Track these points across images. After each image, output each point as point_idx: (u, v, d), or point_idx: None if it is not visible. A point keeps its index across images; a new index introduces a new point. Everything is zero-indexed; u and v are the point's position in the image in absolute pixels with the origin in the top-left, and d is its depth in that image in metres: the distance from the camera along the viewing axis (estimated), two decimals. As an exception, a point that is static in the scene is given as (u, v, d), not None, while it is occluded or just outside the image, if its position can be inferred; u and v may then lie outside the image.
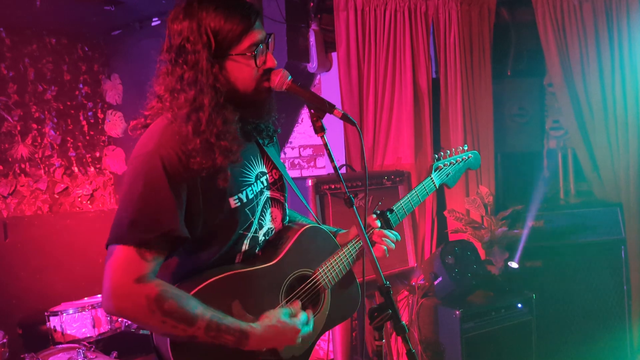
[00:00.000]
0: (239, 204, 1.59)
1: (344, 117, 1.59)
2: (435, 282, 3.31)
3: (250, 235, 1.65)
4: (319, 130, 1.59)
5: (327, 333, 3.60)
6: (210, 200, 1.53)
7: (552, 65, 3.85)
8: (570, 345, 3.62)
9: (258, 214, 1.67)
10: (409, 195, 1.97)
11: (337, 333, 3.29)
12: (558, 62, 3.82)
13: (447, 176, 2.09)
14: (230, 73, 1.55)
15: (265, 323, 1.57)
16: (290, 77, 1.61)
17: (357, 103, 3.66)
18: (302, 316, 1.65)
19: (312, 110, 1.60)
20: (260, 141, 1.75)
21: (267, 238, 1.72)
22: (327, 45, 3.86)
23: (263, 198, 1.70)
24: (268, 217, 1.72)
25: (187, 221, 1.50)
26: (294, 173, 4.23)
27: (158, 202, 1.43)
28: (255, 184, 1.67)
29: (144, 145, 1.49)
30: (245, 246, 1.65)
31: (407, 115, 3.69)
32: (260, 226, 1.69)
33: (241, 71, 1.55)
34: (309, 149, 4.22)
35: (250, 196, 1.64)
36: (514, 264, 3.53)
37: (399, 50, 3.70)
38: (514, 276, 3.53)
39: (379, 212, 1.87)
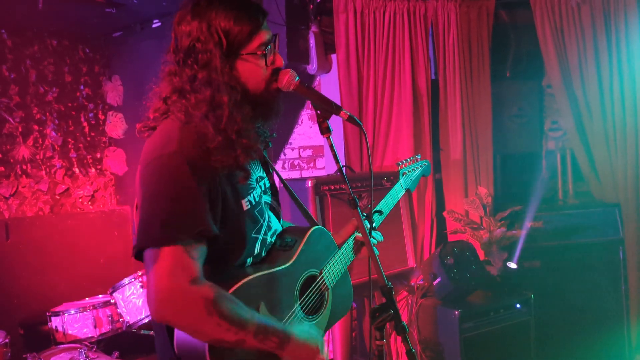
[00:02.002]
0: (249, 206, 1.60)
1: (350, 119, 1.59)
2: (435, 283, 3.33)
3: (261, 237, 1.65)
4: (325, 131, 1.59)
5: (327, 333, 3.63)
6: (228, 201, 1.53)
7: (550, 67, 3.88)
8: (568, 344, 3.65)
9: (266, 216, 1.68)
10: (385, 199, 2.14)
11: (337, 333, 3.32)
12: (556, 64, 3.85)
13: (410, 181, 2.35)
14: (241, 73, 1.55)
15: (302, 330, 1.60)
16: (297, 77, 1.62)
17: (357, 104, 3.69)
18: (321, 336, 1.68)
19: (318, 112, 1.60)
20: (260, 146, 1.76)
21: (272, 240, 1.73)
22: (327, 47, 3.88)
23: (263, 201, 1.70)
24: (272, 219, 1.74)
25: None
26: (293, 174, 4.25)
27: (190, 201, 1.41)
28: (257, 187, 1.67)
29: (163, 147, 1.46)
30: (257, 249, 1.65)
31: (406, 117, 3.72)
32: (269, 228, 1.70)
33: (252, 71, 1.55)
34: (308, 150, 4.24)
35: (257, 199, 1.65)
36: (512, 265, 3.55)
37: (398, 52, 3.72)
38: (513, 276, 3.56)
39: (366, 214, 1.90)
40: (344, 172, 1.63)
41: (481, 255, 3.58)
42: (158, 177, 1.43)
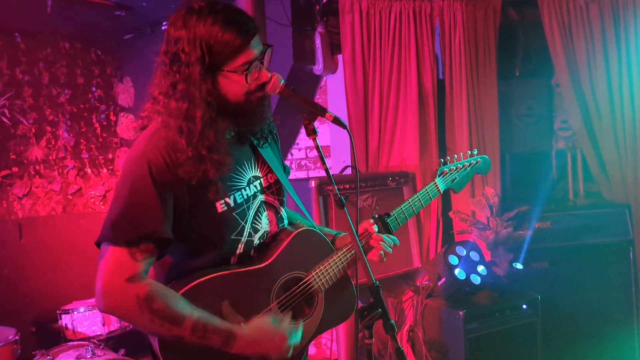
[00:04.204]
0: (225, 208, 1.61)
1: (335, 121, 1.61)
2: (439, 283, 3.32)
3: (244, 239, 1.67)
4: (311, 132, 1.61)
5: (333, 333, 3.64)
6: (198, 205, 1.56)
7: (558, 65, 3.84)
8: (576, 346, 3.60)
9: (250, 217, 1.69)
10: (410, 200, 1.95)
11: (342, 334, 3.32)
12: (564, 63, 3.80)
13: (453, 181, 2.07)
14: (221, 87, 1.56)
15: (253, 325, 1.59)
16: (283, 81, 1.63)
17: (363, 104, 3.69)
18: (290, 325, 1.66)
19: (304, 114, 1.62)
20: (255, 142, 1.77)
21: (262, 241, 1.74)
22: (333, 47, 3.89)
23: (256, 202, 1.71)
24: (264, 220, 1.74)
25: (175, 224, 1.53)
26: (300, 174, 4.27)
27: (143, 204, 1.47)
28: (246, 188, 1.68)
29: (134, 149, 1.54)
30: (239, 250, 1.67)
31: (412, 116, 3.71)
32: (255, 230, 1.71)
33: (232, 87, 1.57)
34: (315, 150, 4.25)
35: (239, 200, 1.65)
36: (518, 265, 3.52)
37: (404, 51, 3.72)
38: (519, 277, 3.53)
39: (377, 216, 1.88)
40: (330, 173, 1.64)
41: (487, 256, 3.55)
42: (122, 179, 1.51)
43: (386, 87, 3.71)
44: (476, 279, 3.35)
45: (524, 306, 3.35)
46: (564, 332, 3.58)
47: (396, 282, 3.59)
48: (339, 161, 4.03)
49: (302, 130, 4.25)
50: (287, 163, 4.32)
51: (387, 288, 3.56)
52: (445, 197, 3.88)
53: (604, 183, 3.89)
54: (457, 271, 3.30)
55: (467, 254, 3.43)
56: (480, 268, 3.40)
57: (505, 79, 4.07)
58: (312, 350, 4.32)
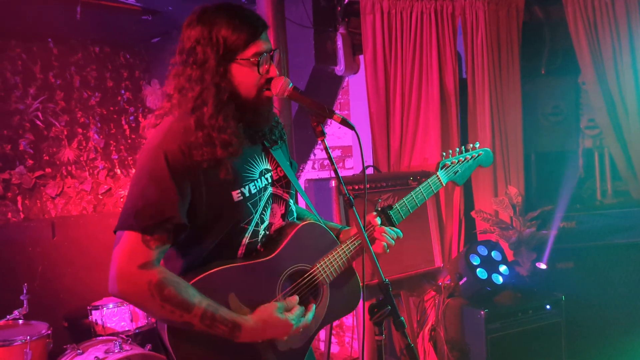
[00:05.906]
0: (241, 197, 1.68)
1: (343, 122, 1.65)
2: (461, 283, 3.32)
3: (251, 228, 1.73)
4: (319, 134, 1.67)
5: (355, 331, 3.67)
6: (214, 192, 1.63)
7: (584, 63, 3.78)
8: (602, 348, 3.54)
9: (260, 208, 1.75)
10: (413, 193, 1.97)
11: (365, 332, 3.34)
12: (590, 60, 3.75)
13: (455, 174, 2.07)
14: (234, 77, 1.65)
15: (258, 316, 1.65)
16: (291, 84, 1.69)
17: (384, 104, 3.71)
18: (298, 310, 1.71)
19: (312, 117, 1.67)
20: (267, 144, 1.84)
21: (267, 232, 1.79)
22: (355, 48, 3.92)
23: (267, 194, 1.78)
24: (269, 212, 1.80)
25: (191, 211, 1.60)
26: (323, 174, 4.31)
27: (160, 193, 1.54)
28: (259, 179, 1.75)
29: (151, 141, 1.62)
30: (246, 239, 1.72)
31: (434, 116, 3.71)
32: (262, 221, 1.77)
33: (245, 76, 1.66)
34: (337, 150, 4.29)
35: (253, 191, 1.72)
36: (542, 265, 3.49)
37: (425, 51, 3.72)
38: (543, 277, 3.49)
39: (379, 209, 1.92)
40: (339, 174, 1.69)
41: (510, 256, 3.53)
42: (139, 168, 1.60)
43: (408, 87, 3.72)
44: (498, 279, 3.33)
45: (548, 306, 3.32)
46: (589, 333, 3.53)
47: (418, 282, 3.59)
48: (361, 161, 4.06)
49: (326, 131, 4.28)
50: (309, 163, 4.38)
51: (408, 287, 3.57)
52: (468, 197, 3.86)
53: (631, 181, 3.83)
54: (478, 271, 3.30)
55: (489, 253, 3.42)
56: (503, 268, 3.39)
57: (531, 77, 4.03)
58: (335, 348, 4.35)
